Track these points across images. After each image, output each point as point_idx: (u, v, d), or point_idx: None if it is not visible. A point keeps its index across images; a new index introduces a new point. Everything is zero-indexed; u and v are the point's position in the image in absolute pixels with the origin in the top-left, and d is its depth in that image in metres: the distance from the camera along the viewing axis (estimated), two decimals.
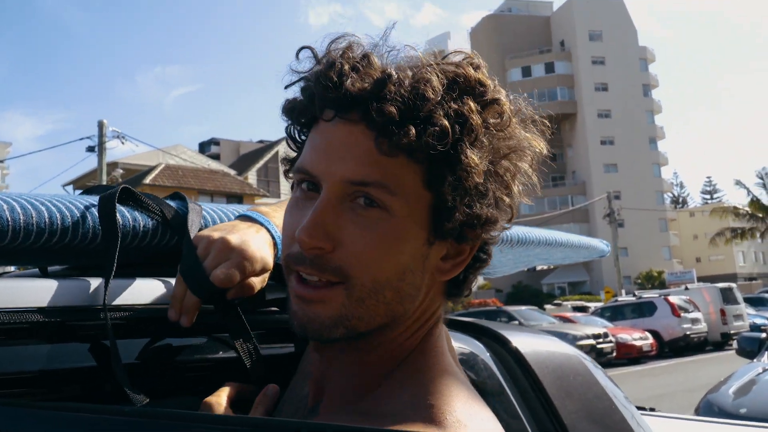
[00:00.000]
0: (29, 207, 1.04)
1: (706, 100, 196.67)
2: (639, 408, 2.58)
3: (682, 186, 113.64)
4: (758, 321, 26.40)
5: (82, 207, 1.11)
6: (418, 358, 0.98)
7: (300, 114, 1.00)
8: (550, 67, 77.16)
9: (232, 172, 43.96)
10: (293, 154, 1.06)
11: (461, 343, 1.73)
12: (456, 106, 0.91)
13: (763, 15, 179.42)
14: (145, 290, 1.17)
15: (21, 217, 1.02)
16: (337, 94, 0.91)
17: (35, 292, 1.04)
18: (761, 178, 51.59)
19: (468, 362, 1.69)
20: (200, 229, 1.21)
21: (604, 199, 44.63)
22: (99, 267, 1.11)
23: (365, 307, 0.93)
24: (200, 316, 1.12)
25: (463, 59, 0.99)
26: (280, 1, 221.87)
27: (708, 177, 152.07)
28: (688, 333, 23.33)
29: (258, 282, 1.15)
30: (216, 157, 66.86)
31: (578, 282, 68.76)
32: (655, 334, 22.72)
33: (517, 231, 1.96)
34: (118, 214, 1.11)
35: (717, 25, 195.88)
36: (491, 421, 0.92)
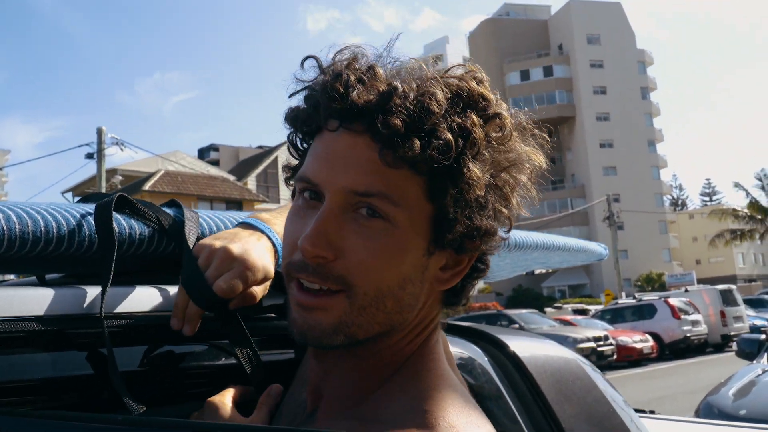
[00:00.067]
0: (25, 216, 1.04)
1: (705, 102, 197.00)
2: (639, 411, 2.58)
3: (681, 188, 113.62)
4: (758, 322, 26.37)
5: (78, 215, 1.11)
6: (414, 365, 0.99)
7: (303, 123, 1.00)
8: (548, 71, 77.19)
9: (232, 177, 43.99)
10: (294, 162, 1.07)
11: (459, 348, 1.73)
12: (459, 120, 0.92)
13: (761, 17, 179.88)
14: (143, 298, 1.17)
15: (17, 226, 1.02)
16: (342, 105, 0.92)
17: (32, 300, 1.04)
18: (760, 180, 51.60)
19: (466, 367, 1.70)
20: (198, 237, 1.22)
21: (604, 201, 44.58)
22: (96, 275, 1.11)
23: (366, 315, 0.93)
24: (201, 324, 1.12)
25: (466, 73, 1.00)
26: (279, 8, 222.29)
27: (707, 179, 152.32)
28: (688, 335, 23.32)
29: (260, 291, 1.15)
30: (215, 163, 66.97)
31: (578, 285, 68.73)
32: (656, 337, 22.72)
33: (515, 235, 1.96)
34: (114, 222, 1.11)
35: (715, 28, 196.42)
36: (485, 426, 0.92)
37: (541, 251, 2.16)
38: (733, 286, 27.76)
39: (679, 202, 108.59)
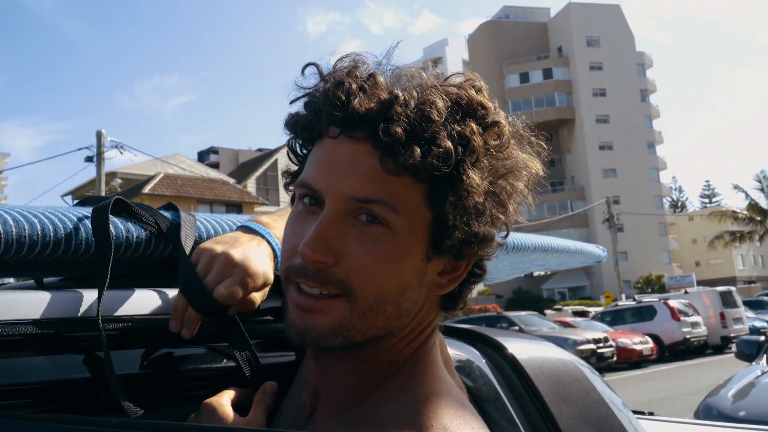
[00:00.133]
0: (21, 219, 1.04)
1: (704, 104, 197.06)
2: (638, 412, 2.58)
3: (680, 190, 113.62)
4: (758, 324, 26.43)
5: (75, 219, 1.11)
6: (411, 368, 1.00)
7: (303, 129, 1.01)
8: (548, 73, 77.21)
9: (231, 180, 43.92)
10: (294, 167, 1.08)
11: (457, 350, 1.73)
12: (459, 128, 0.93)
13: (761, 19, 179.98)
14: (142, 301, 1.17)
15: (13, 230, 1.02)
16: (344, 113, 0.93)
17: (29, 303, 1.04)
18: (759, 182, 51.60)
19: (464, 369, 1.70)
20: (196, 241, 1.22)
21: (603, 203, 44.60)
22: (94, 278, 1.11)
23: (366, 319, 0.94)
24: (200, 326, 1.12)
25: (465, 81, 1.01)
26: (279, 10, 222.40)
27: (707, 181, 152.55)
28: (688, 337, 23.33)
29: (259, 297, 1.15)
30: (215, 165, 66.92)
31: (578, 287, 68.70)
32: (655, 338, 22.73)
33: (513, 237, 1.96)
34: (111, 226, 1.11)
35: (715, 30, 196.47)
36: (480, 429, 0.93)
37: (540, 253, 2.17)
38: (733, 288, 27.81)
39: (679, 204, 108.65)
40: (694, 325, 23.78)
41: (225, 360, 1.25)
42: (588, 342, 19.25)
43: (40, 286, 1.28)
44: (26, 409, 1.02)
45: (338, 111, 0.93)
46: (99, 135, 24.65)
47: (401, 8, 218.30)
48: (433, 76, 1.00)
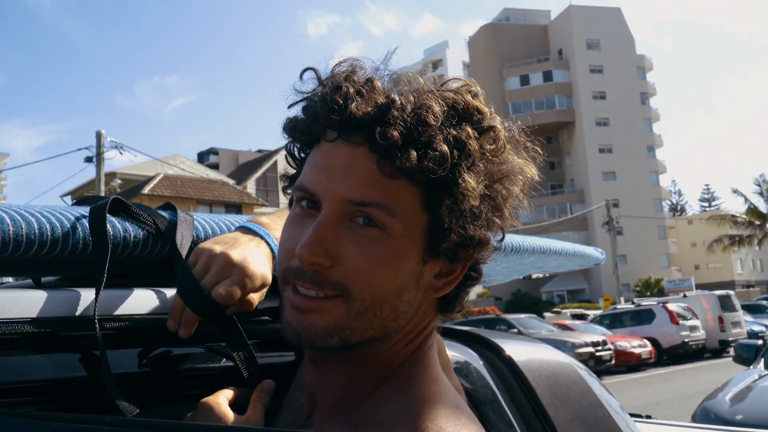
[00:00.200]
0: (19, 218, 1.04)
1: (704, 107, 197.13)
2: (636, 415, 2.58)
3: (680, 194, 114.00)
4: (756, 328, 26.46)
5: (72, 218, 1.11)
6: (408, 370, 1.01)
7: (301, 133, 1.02)
8: (548, 76, 77.33)
9: (231, 181, 43.92)
10: (292, 171, 1.08)
11: (455, 352, 1.73)
12: (455, 132, 0.94)
13: (760, 23, 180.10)
14: (140, 300, 1.18)
15: (10, 229, 1.02)
16: (341, 117, 0.94)
17: (26, 302, 1.04)
18: (759, 186, 51.62)
19: (461, 371, 1.70)
20: (194, 241, 1.22)
21: (603, 206, 44.63)
22: (92, 278, 1.11)
23: (362, 320, 0.95)
24: (197, 326, 1.13)
25: (462, 86, 1.02)
26: (279, 12, 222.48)
27: (706, 185, 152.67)
28: (686, 340, 23.35)
29: (256, 298, 1.16)
30: (215, 166, 66.97)
31: (577, 290, 68.76)
32: (654, 342, 22.73)
33: (511, 239, 1.97)
34: (108, 225, 1.11)
35: (714, 34, 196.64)
36: (476, 431, 0.93)
37: (538, 255, 2.17)
38: (732, 292, 27.82)
39: (678, 207, 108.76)
40: (693, 328, 23.80)
41: (223, 359, 1.25)
42: (586, 345, 19.25)
43: (37, 286, 1.28)
44: (23, 407, 1.02)
45: (336, 115, 0.94)
46: (99, 135, 24.67)
47: (402, 10, 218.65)
48: (430, 80, 1.01)
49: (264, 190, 47.29)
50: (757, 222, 49.24)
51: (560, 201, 73.47)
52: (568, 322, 25.79)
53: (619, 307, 28.30)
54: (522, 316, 24.42)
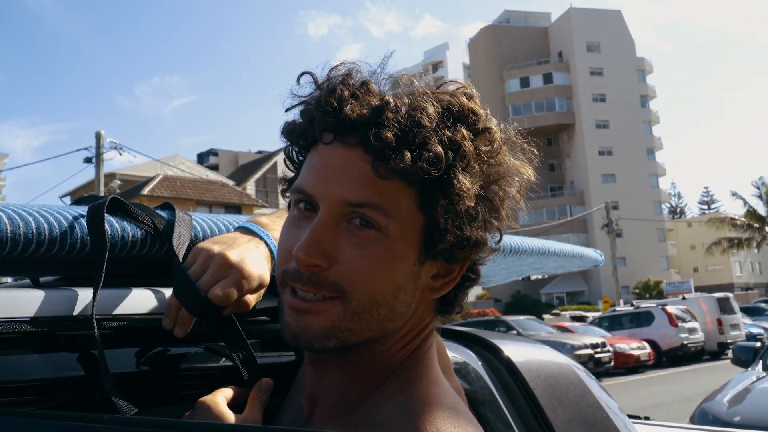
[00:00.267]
0: (16, 217, 1.04)
1: (704, 110, 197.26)
2: (634, 417, 2.58)
3: (679, 196, 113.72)
4: (754, 331, 26.49)
5: (70, 217, 1.11)
6: (407, 371, 1.01)
7: (299, 136, 1.03)
8: (548, 78, 77.35)
9: (231, 182, 43.99)
10: (290, 174, 1.09)
11: (453, 352, 1.73)
12: (450, 134, 0.95)
13: (761, 26, 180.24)
14: (138, 300, 1.18)
15: (8, 228, 1.02)
16: (336, 119, 0.95)
17: (24, 302, 1.04)
18: (758, 188, 51.63)
19: (460, 371, 1.70)
20: (192, 241, 1.22)
21: (602, 209, 44.63)
22: (90, 277, 1.11)
23: (360, 321, 0.95)
24: (196, 326, 1.13)
25: (457, 89, 1.03)
26: (279, 12, 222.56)
27: (705, 187, 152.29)
28: (685, 342, 23.37)
29: (253, 299, 1.16)
30: (214, 167, 67.06)
31: (577, 292, 68.77)
32: (653, 344, 22.76)
33: (510, 240, 1.97)
34: (106, 224, 1.11)
35: (716, 36, 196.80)
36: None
37: (537, 256, 2.17)
38: (731, 295, 27.86)
39: (678, 210, 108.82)
40: (692, 331, 23.82)
41: (222, 359, 1.25)
42: (586, 347, 19.28)
43: (36, 285, 1.28)
44: (21, 406, 1.02)
45: (331, 117, 0.95)
46: (98, 136, 24.68)
47: (403, 12, 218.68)
48: (426, 83, 1.02)
49: (264, 192, 47.34)
50: (756, 225, 49.23)
51: (560, 203, 73.49)
52: (568, 324, 25.84)
53: (618, 309, 28.30)
54: (521, 317, 24.45)
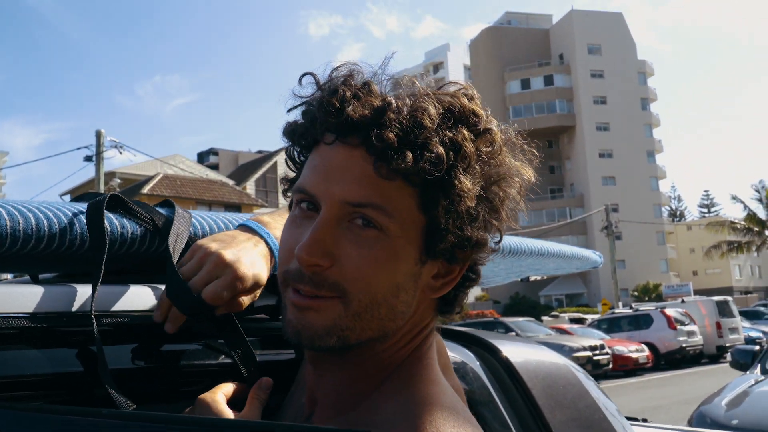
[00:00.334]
0: (16, 213, 1.04)
1: (705, 113, 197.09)
2: (632, 419, 2.58)
3: (679, 199, 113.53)
4: (753, 334, 26.47)
5: (69, 214, 1.11)
6: (407, 371, 1.01)
7: (301, 136, 1.03)
8: (549, 80, 77.40)
9: (231, 182, 43.98)
10: (292, 174, 1.09)
11: (452, 352, 1.73)
12: (451, 135, 0.95)
13: (761, 29, 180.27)
14: (137, 297, 1.18)
15: (8, 224, 1.02)
16: (338, 120, 0.95)
17: (23, 297, 1.04)
18: (757, 192, 51.62)
19: (458, 371, 1.69)
20: (191, 238, 1.22)
21: (602, 211, 44.58)
22: (89, 274, 1.11)
23: (360, 320, 0.95)
24: (195, 323, 1.13)
25: (458, 90, 1.03)
26: (281, 12, 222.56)
27: (705, 191, 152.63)
28: (684, 345, 23.37)
29: (247, 300, 1.16)
30: (214, 167, 67.05)
31: (575, 294, 68.78)
32: (652, 347, 22.77)
33: (509, 241, 1.97)
34: (106, 221, 1.11)
35: (717, 39, 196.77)
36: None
37: (536, 257, 2.17)
38: (730, 298, 27.87)
39: (678, 213, 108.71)
40: (690, 334, 23.82)
41: (221, 356, 1.25)
42: (584, 349, 19.29)
43: (35, 282, 1.28)
44: (20, 401, 1.02)
45: (333, 118, 0.95)
46: (98, 134, 24.66)
47: (404, 13, 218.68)
48: (427, 84, 1.02)
49: (263, 191, 47.33)
50: (756, 228, 49.19)
51: (560, 205, 73.52)
52: (566, 326, 25.81)
53: (617, 311, 28.35)
54: (520, 319, 24.48)
